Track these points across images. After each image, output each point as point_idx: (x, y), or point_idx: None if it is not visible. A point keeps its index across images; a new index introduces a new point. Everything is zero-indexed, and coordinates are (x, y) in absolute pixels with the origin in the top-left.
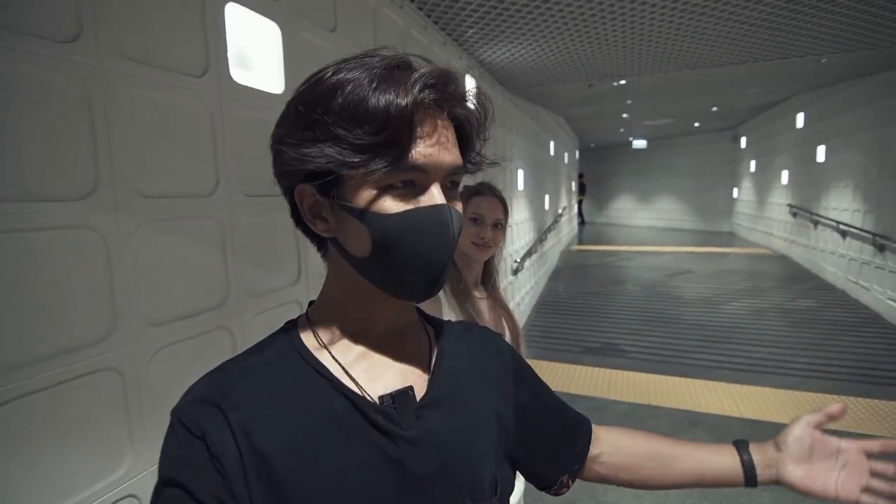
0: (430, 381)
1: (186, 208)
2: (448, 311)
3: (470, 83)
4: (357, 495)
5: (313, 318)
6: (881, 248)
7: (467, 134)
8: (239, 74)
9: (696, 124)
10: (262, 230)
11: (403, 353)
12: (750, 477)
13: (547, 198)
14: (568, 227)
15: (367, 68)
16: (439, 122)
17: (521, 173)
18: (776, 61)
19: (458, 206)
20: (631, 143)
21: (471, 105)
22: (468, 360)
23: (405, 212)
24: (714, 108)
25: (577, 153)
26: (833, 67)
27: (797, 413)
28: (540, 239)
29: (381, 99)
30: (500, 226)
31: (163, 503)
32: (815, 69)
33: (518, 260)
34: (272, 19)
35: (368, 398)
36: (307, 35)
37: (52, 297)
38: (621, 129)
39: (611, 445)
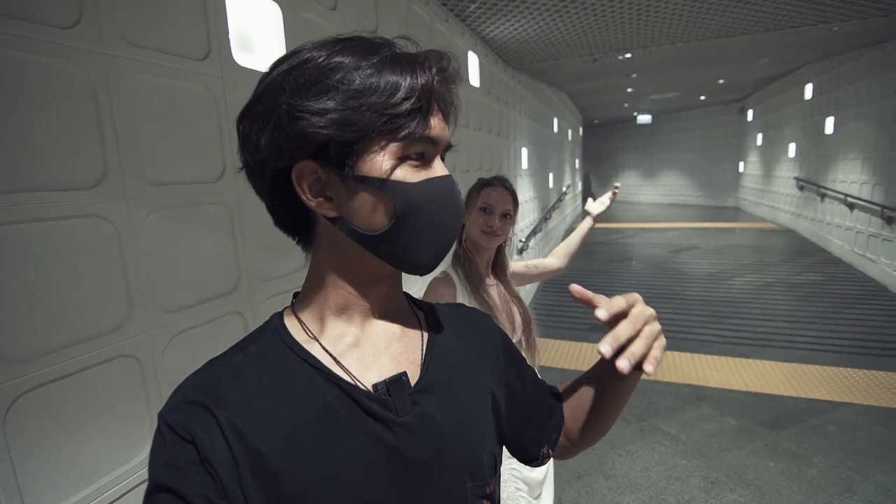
0: (423, 365)
1: (195, 194)
2: (462, 294)
3: (473, 61)
4: (356, 485)
5: (300, 309)
6: (889, 221)
7: (446, 116)
8: (241, 57)
9: (703, 97)
10: (269, 215)
11: (395, 339)
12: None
13: (551, 176)
14: (572, 206)
15: (363, 53)
16: (438, 101)
17: (524, 151)
18: (786, 30)
19: None
20: (635, 118)
21: (455, 87)
22: (459, 342)
23: (426, 180)
24: (721, 81)
25: (581, 130)
26: (844, 36)
27: (803, 386)
28: (544, 217)
29: (400, 76)
30: (509, 216)
31: None
32: (825, 37)
33: (523, 239)
34: None
35: (362, 387)
36: (308, 14)
37: (67, 286)
38: (626, 105)
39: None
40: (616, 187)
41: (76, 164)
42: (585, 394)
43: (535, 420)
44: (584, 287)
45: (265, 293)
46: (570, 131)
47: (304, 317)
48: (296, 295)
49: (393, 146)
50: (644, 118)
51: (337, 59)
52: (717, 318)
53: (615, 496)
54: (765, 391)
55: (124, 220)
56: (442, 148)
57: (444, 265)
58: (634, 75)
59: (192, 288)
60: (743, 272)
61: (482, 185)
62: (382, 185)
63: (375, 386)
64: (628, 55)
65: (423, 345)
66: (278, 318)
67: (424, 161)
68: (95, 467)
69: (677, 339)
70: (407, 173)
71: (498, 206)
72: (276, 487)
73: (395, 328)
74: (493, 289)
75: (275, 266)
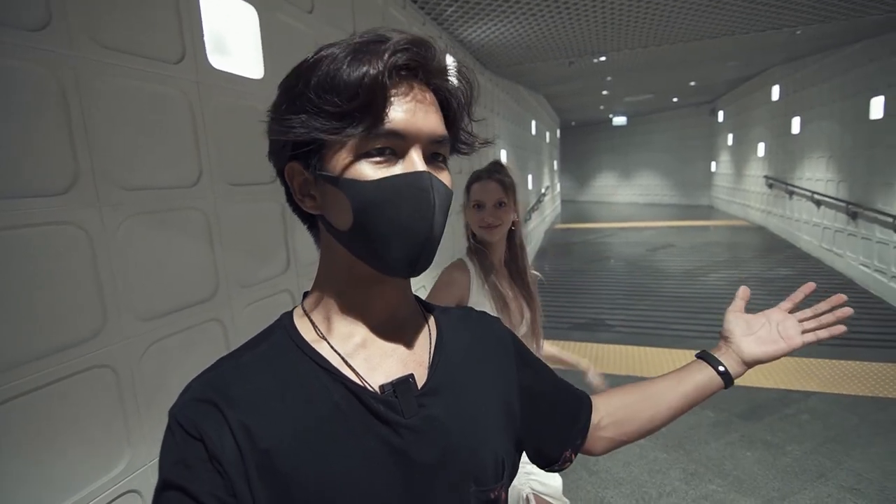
0: (430, 368)
1: (170, 200)
2: (475, 281)
3: (451, 61)
4: (362, 486)
5: (309, 308)
6: (854, 216)
7: (452, 108)
8: (217, 60)
9: (675, 99)
10: (248, 219)
11: (403, 340)
12: (728, 380)
13: (530, 177)
14: (551, 206)
15: (345, 44)
16: (416, 87)
17: (503, 153)
18: (753, 34)
19: (445, 178)
20: (611, 120)
21: (453, 77)
22: (468, 345)
23: (383, 178)
24: (692, 83)
25: (559, 132)
26: (808, 39)
27: (776, 376)
28: (524, 219)
29: (355, 70)
30: (504, 204)
31: None
32: (790, 41)
33: None
34: (248, 2)
35: (369, 388)
36: (284, 17)
37: (38, 295)
38: (601, 107)
39: (607, 407)
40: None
41: (45, 169)
42: (663, 394)
43: (557, 423)
44: (565, 285)
45: (245, 299)
46: (547, 133)
47: (313, 316)
48: (306, 294)
49: (351, 143)
50: (619, 120)
51: (321, 54)
52: (692, 313)
53: (599, 491)
54: (740, 383)
55: (97, 226)
56: (418, 140)
57: (454, 257)
58: (609, 78)
59: (169, 295)
60: (717, 268)
61: (471, 181)
62: (339, 184)
63: (382, 387)
64: (603, 58)
65: (430, 347)
66: (288, 316)
67: (397, 155)
68: (74, 479)
69: (654, 335)
70: (368, 170)
71: (488, 199)
72: (284, 487)
73: (403, 330)
74: (506, 281)
75: (255, 271)
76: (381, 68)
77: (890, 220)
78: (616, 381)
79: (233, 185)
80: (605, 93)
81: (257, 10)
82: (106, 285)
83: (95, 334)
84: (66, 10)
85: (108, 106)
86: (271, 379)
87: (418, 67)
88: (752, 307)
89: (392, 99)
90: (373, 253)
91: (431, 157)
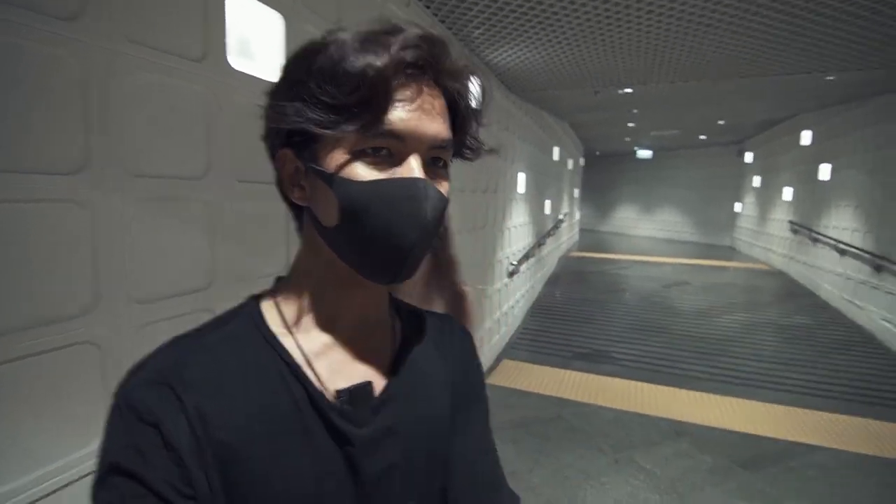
0: (390, 375)
1: (176, 189)
2: None
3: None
4: (314, 489)
5: (280, 297)
6: (878, 269)
7: (461, 111)
8: (238, 62)
9: (702, 137)
10: (252, 216)
11: (368, 345)
12: None
13: (548, 203)
14: (568, 234)
15: (355, 31)
16: (424, 89)
17: (521, 176)
18: (782, 77)
19: (443, 186)
20: (636, 152)
21: (465, 79)
22: (435, 358)
23: (374, 181)
24: (720, 122)
25: (582, 160)
26: (840, 86)
27: (783, 428)
28: (538, 243)
29: (359, 60)
30: None
31: (111, 493)
32: (822, 87)
33: (514, 263)
34: (275, 9)
35: (327, 392)
36: (310, 27)
37: (32, 267)
38: (627, 139)
39: None
40: None
41: (58, 150)
42: None
43: (475, 488)
44: (574, 313)
45: (241, 293)
46: (570, 161)
47: (283, 306)
48: (279, 280)
49: (348, 139)
50: (644, 153)
51: (328, 38)
52: (703, 354)
53: None
54: (745, 430)
55: (101, 207)
56: (418, 145)
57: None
58: (636, 110)
59: (163, 281)
60: (732, 311)
61: None
62: (329, 180)
63: (339, 392)
64: (629, 90)
65: (394, 356)
66: (254, 303)
67: (394, 158)
68: (45, 451)
69: (662, 372)
70: (361, 170)
71: None
72: (241, 475)
73: (372, 334)
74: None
75: (253, 267)
76: (386, 61)
77: None
78: (616, 416)
79: (240, 181)
80: (630, 125)
81: (284, 17)
82: (103, 264)
83: (86, 311)
84: (97, 1)
85: (125, 95)
86: (230, 364)
87: (428, 66)
88: (767, 353)
89: (396, 98)
90: (355, 255)
91: (431, 162)
